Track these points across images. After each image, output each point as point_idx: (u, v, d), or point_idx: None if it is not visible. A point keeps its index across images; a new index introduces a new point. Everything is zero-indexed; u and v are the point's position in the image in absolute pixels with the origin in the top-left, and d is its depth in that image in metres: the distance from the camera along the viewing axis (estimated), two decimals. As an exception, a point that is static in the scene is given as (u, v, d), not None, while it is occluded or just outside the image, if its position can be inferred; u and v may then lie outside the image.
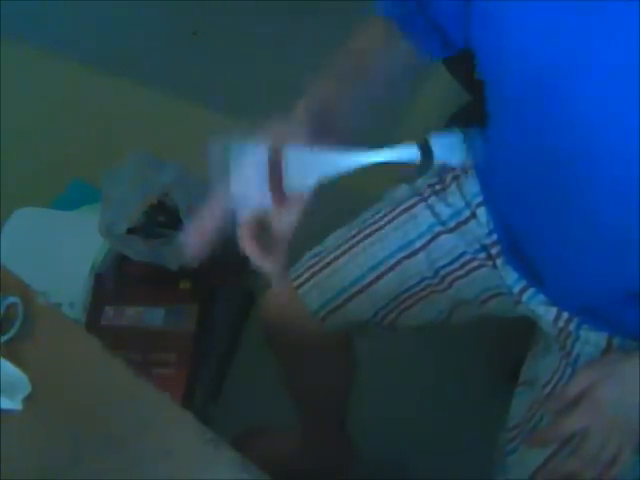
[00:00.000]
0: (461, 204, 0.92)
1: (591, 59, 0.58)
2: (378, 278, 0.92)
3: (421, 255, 0.92)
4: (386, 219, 0.94)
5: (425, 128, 1.60)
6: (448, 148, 0.61)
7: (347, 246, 0.94)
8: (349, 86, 0.71)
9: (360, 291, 0.93)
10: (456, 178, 0.93)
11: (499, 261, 0.90)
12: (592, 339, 0.83)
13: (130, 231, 1.37)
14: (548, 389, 0.84)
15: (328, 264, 0.94)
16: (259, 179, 0.59)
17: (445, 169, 0.95)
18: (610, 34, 0.56)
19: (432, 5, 0.75)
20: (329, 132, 0.63)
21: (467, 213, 0.92)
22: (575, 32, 0.58)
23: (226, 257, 1.49)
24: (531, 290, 0.87)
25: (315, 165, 0.60)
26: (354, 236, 0.94)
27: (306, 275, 0.95)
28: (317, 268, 0.94)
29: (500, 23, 0.64)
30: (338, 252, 0.94)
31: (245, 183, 0.59)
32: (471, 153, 0.61)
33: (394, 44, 0.77)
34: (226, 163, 0.59)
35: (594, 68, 0.58)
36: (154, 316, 1.39)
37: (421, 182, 0.96)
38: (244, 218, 0.62)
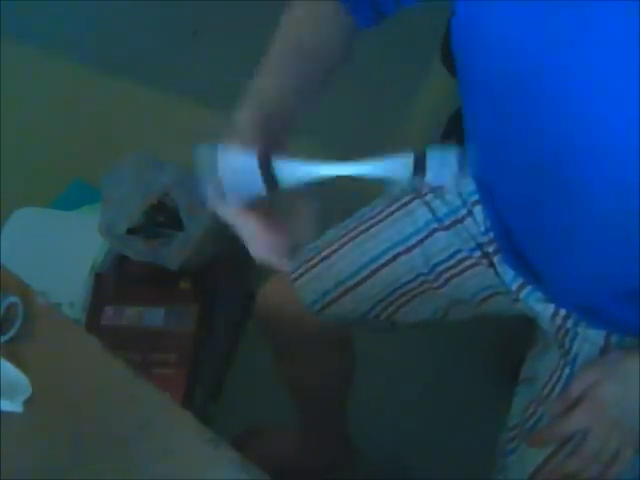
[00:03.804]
0: (457, 202, 0.92)
1: (573, 52, 0.58)
2: (373, 273, 0.93)
3: (417, 251, 0.92)
4: (383, 214, 0.94)
5: (423, 128, 1.60)
6: (443, 165, 0.57)
7: (344, 241, 0.94)
8: (293, 81, 0.68)
9: (356, 286, 0.93)
10: (454, 177, 0.93)
11: (496, 259, 0.90)
12: (590, 337, 0.83)
13: (130, 231, 1.37)
14: (547, 389, 0.84)
15: (324, 258, 0.94)
16: (251, 179, 0.57)
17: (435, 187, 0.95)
18: (595, 28, 0.56)
19: None
20: (278, 133, 0.62)
21: (463, 211, 0.92)
22: (559, 27, 0.58)
23: (226, 257, 1.50)
24: (528, 287, 0.88)
25: (300, 174, 0.59)
26: (351, 231, 0.95)
27: (302, 269, 0.95)
28: (313, 262, 0.95)
29: (483, 21, 0.64)
30: (334, 246, 0.94)
31: (238, 183, 0.58)
32: (466, 171, 0.58)
33: (329, 17, 0.75)
34: (212, 164, 0.58)
35: (577, 61, 0.58)
36: (154, 316, 1.39)
37: None
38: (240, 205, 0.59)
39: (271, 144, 0.59)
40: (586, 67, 0.58)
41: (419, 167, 0.56)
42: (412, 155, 0.56)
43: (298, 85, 0.68)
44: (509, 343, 1.25)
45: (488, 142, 0.78)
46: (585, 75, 0.58)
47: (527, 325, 0.94)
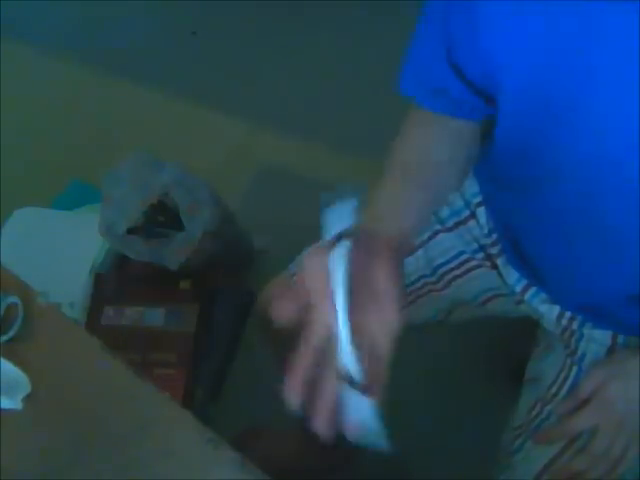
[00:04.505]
0: (460, 204, 0.92)
1: (590, 66, 0.58)
2: None
3: (419, 253, 0.92)
4: None
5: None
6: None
7: None
8: (408, 194, 0.71)
9: None
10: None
11: (499, 261, 0.90)
12: (596, 337, 0.83)
13: (130, 231, 1.37)
14: (554, 389, 0.84)
15: None
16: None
17: None
18: (610, 47, 0.56)
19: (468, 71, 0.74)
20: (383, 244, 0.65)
21: (466, 213, 0.92)
22: (562, 36, 0.58)
23: (226, 257, 1.49)
24: (533, 289, 0.87)
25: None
26: None
27: None
28: None
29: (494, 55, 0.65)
30: None
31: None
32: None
33: (441, 132, 0.77)
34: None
35: (594, 75, 0.58)
36: (154, 316, 1.39)
37: None
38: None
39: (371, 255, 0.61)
40: (590, 74, 0.58)
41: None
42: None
43: (411, 199, 0.70)
44: (510, 343, 1.25)
45: (498, 145, 0.78)
46: (590, 81, 0.58)
47: (528, 324, 0.94)
